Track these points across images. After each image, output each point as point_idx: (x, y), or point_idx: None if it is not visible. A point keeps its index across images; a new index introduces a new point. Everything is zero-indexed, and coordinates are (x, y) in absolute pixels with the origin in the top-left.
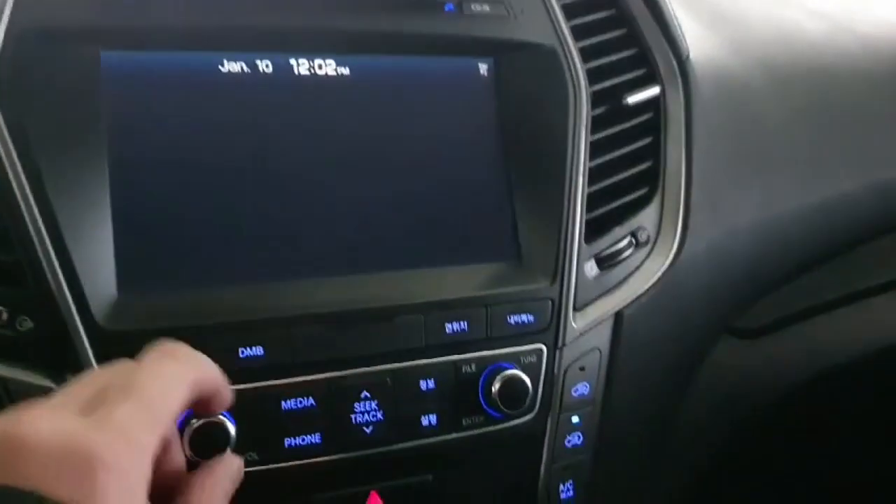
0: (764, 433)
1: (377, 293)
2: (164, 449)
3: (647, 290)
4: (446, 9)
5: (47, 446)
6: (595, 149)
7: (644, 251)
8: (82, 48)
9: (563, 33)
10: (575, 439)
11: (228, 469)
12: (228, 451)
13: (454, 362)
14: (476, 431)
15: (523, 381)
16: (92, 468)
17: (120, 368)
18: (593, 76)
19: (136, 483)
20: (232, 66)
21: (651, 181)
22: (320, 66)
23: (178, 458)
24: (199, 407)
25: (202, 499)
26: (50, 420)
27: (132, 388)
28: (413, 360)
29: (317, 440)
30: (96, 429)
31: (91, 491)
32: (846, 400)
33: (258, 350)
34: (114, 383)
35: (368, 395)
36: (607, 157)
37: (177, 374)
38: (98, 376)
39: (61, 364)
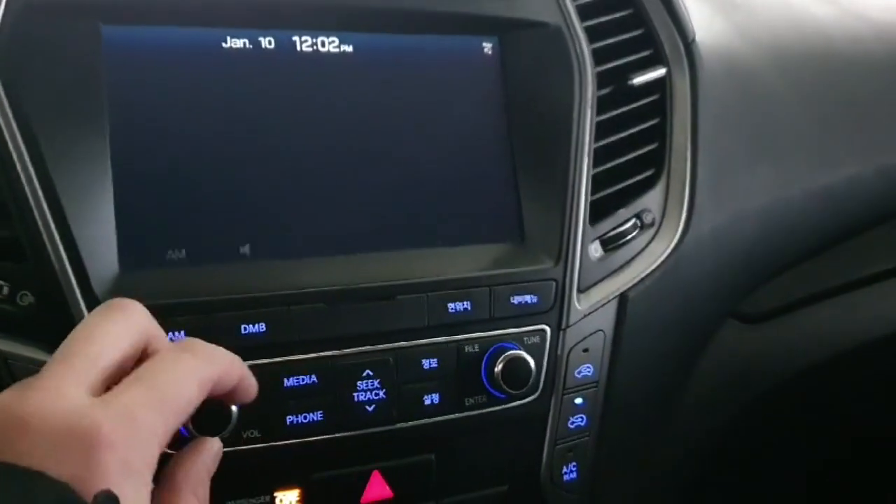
0: (766, 418)
1: (379, 272)
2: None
3: (652, 272)
4: None
5: (51, 425)
6: (600, 130)
7: (649, 233)
8: (83, 22)
9: (568, 12)
10: (578, 421)
11: (210, 450)
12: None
13: (457, 342)
14: (478, 412)
15: (526, 362)
16: (93, 445)
17: (116, 313)
18: (599, 56)
19: (140, 465)
20: (234, 43)
21: (656, 163)
22: (323, 44)
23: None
24: (224, 398)
25: (185, 478)
26: (55, 398)
27: (145, 374)
28: (415, 339)
29: (318, 418)
30: (102, 408)
31: (93, 468)
32: (849, 387)
33: (260, 327)
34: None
35: (371, 373)
36: (613, 138)
37: (192, 370)
38: (97, 327)
39: (62, 339)
